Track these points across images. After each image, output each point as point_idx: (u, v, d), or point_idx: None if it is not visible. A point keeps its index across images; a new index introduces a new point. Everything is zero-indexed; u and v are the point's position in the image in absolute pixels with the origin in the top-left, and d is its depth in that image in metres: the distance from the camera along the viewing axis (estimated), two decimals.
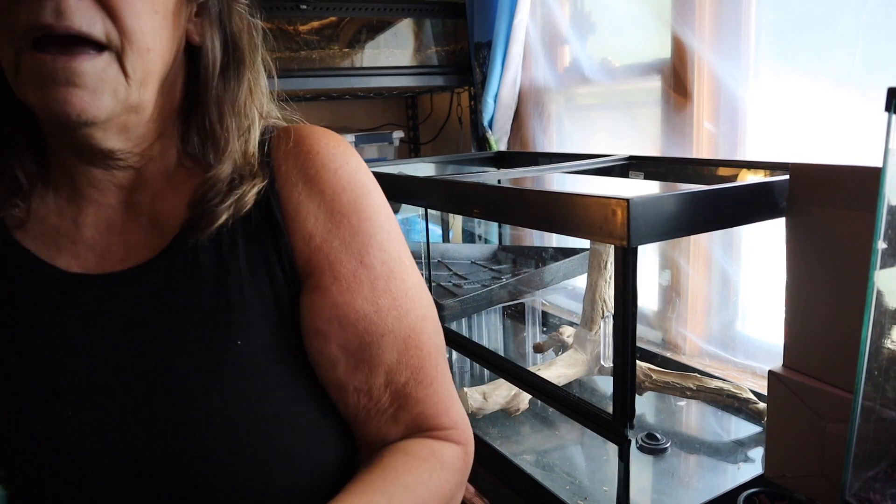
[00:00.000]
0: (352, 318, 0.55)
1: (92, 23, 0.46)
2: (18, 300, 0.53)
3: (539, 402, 1.20)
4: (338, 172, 0.58)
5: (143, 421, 0.51)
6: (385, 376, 0.57)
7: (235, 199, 0.55)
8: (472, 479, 1.16)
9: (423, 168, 1.60)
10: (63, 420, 0.51)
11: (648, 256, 1.49)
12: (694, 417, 1.19)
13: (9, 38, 0.46)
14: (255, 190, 0.55)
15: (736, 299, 1.37)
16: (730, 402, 1.13)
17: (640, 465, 1.03)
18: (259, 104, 0.60)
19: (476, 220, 1.96)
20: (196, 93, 0.57)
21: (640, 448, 1.06)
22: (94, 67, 0.47)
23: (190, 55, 0.57)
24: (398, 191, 1.25)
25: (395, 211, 2.07)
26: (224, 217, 0.54)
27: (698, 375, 1.15)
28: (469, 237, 2.02)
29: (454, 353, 1.50)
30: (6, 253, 0.54)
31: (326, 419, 0.58)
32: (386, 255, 0.58)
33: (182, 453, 0.51)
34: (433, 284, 1.42)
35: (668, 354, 1.37)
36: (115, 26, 0.47)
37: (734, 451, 1.05)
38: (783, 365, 0.84)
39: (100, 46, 0.47)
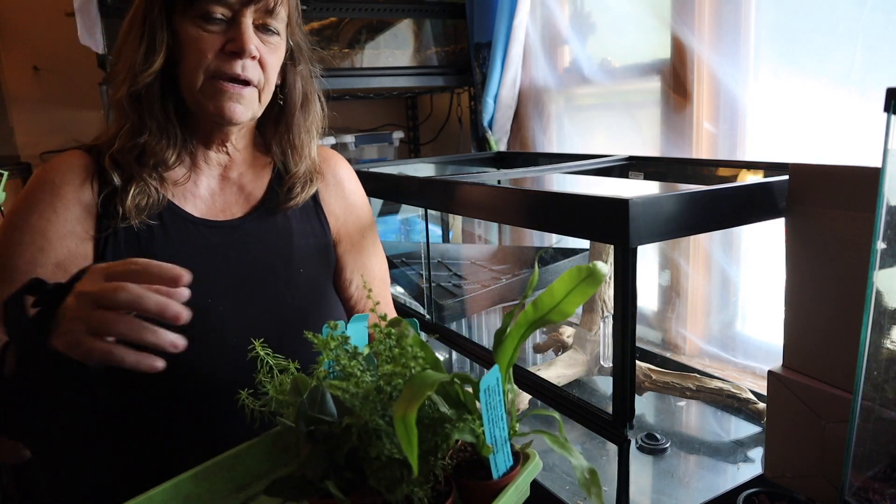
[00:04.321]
0: (359, 267, 1.03)
1: (255, 74, 0.83)
2: (169, 228, 0.85)
3: (539, 402, 1.20)
4: (354, 182, 1.07)
5: (252, 300, 0.88)
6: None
7: (306, 191, 0.94)
8: None
9: (423, 168, 1.60)
10: (206, 305, 0.83)
11: (648, 256, 1.49)
12: (694, 417, 1.19)
13: (204, 71, 0.80)
14: (315, 185, 0.97)
15: (736, 299, 1.37)
16: (730, 403, 1.13)
17: (640, 465, 1.03)
18: (317, 124, 0.97)
19: (476, 220, 1.96)
20: (280, 116, 0.93)
21: (640, 448, 1.07)
22: (249, 94, 0.84)
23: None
24: (398, 191, 1.25)
25: (395, 211, 2.07)
26: (297, 200, 0.93)
27: (698, 375, 1.15)
28: (469, 237, 2.02)
29: (454, 353, 1.50)
30: (164, 202, 0.85)
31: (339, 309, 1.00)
32: (374, 234, 1.07)
33: (280, 315, 0.89)
34: (433, 284, 1.42)
35: (668, 354, 1.37)
36: (263, 75, 0.84)
37: (734, 451, 1.05)
38: (783, 365, 0.84)
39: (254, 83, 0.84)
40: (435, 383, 0.48)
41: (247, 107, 0.84)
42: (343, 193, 1.02)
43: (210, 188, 0.91)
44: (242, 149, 0.93)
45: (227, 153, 0.91)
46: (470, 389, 0.56)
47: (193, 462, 0.64)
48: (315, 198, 0.98)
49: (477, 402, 0.54)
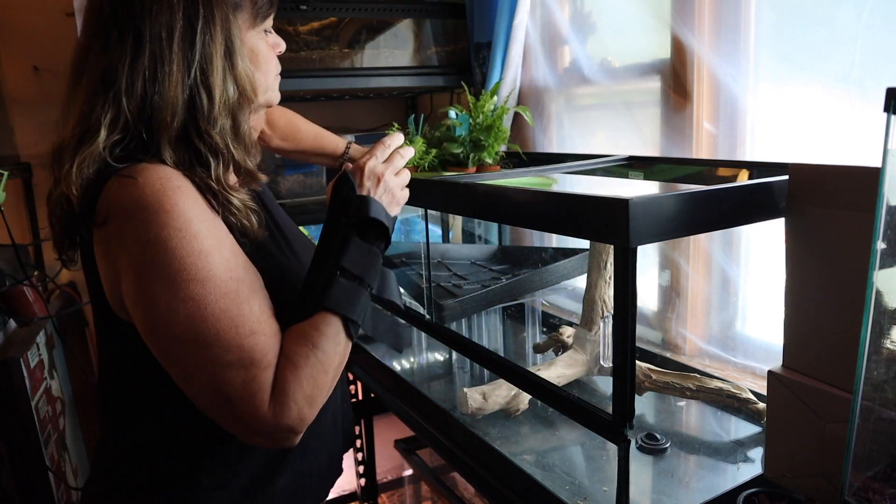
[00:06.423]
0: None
1: None
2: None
3: (539, 402, 1.20)
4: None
5: None
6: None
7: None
8: (472, 479, 1.16)
9: None
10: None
11: (648, 256, 1.49)
12: (694, 417, 1.19)
13: (274, 74, 0.89)
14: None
15: (736, 299, 1.37)
16: (730, 403, 1.13)
17: (640, 466, 1.03)
18: None
19: (476, 220, 1.96)
20: None
21: (640, 448, 1.07)
22: None
23: None
24: None
25: None
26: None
27: (698, 376, 1.15)
28: (469, 237, 2.01)
29: (454, 354, 1.50)
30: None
31: None
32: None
33: None
34: (433, 284, 1.42)
35: (668, 354, 1.37)
36: None
37: (734, 451, 1.05)
38: (783, 365, 0.84)
39: None
40: None
41: None
42: None
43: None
44: None
45: None
46: None
47: None
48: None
49: None
